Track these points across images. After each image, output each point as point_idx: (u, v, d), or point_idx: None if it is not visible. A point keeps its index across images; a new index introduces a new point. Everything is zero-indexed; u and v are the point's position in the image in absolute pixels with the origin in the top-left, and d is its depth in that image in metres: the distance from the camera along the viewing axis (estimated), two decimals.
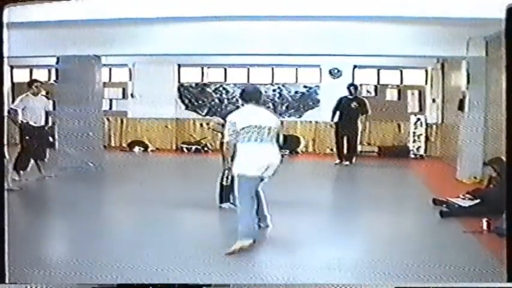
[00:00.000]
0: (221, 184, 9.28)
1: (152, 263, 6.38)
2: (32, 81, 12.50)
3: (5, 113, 9.45)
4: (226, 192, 9.37)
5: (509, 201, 5.38)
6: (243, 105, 7.76)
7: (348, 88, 15.62)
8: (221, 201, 9.47)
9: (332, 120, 15.67)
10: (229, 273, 6.14)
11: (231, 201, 9.35)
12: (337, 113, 15.48)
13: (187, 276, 6.03)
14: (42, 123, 12.15)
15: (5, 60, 5.34)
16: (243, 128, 7.29)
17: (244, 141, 7.31)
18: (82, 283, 5.81)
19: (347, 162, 15.27)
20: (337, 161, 15.43)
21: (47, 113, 12.27)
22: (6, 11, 5.13)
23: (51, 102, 12.92)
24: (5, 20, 5.12)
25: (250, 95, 7.69)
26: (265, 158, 7.38)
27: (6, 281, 5.19)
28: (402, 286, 5.75)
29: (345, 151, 15.45)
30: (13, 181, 10.71)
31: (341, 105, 15.44)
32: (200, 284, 5.76)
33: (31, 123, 12.01)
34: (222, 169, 9.20)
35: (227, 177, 8.96)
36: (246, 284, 5.87)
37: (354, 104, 15.31)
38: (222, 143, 9.37)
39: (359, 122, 15.40)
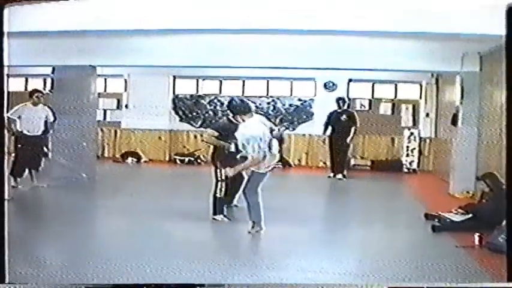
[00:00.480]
0: (214, 196, 9.36)
1: (146, 264, 6.41)
2: (33, 91, 12.54)
3: (5, 115, 9.45)
4: (220, 204, 9.44)
5: (509, 202, 5.40)
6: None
7: (337, 101, 15.69)
8: (215, 213, 9.45)
9: (324, 134, 15.82)
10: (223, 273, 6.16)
11: (225, 213, 9.40)
12: (329, 127, 15.55)
13: (181, 276, 6.05)
14: (39, 133, 12.17)
15: (5, 59, 5.35)
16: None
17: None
18: (77, 283, 5.82)
19: (340, 176, 15.28)
20: (331, 174, 15.46)
21: (47, 123, 12.29)
22: (6, 11, 5.15)
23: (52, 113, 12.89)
24: (5, 19, 5.14)
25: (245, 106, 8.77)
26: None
27: (6, 281, 5.19)
28: (396, 286, 5.77)
29: (336, 163, 15.50)
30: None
31: (332, 119, 15.51)
32: (194, 283, 5.77)
33: (25, 132, 12.03)
34: (215, 181, 9.32)
35: (220, 189, 9.16)
36: (240, 283, 5.87)
37: (343, 117, 15.41)
38: (213, 155, 9.50)
39: (350, 134, 15.39)
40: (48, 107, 12.65)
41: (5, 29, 5.19)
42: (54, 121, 12.59)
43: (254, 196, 8.60)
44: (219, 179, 9.37)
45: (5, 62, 5.23)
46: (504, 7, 5.32)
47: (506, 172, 5.50)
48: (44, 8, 8.56)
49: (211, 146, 9.73)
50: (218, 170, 9.35)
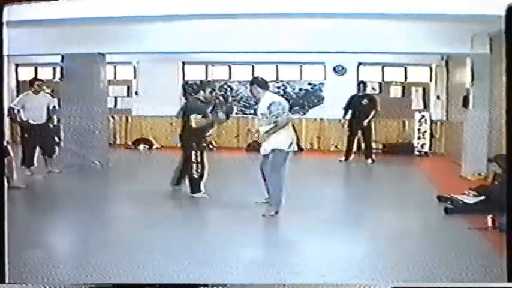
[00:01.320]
0: (191, 176, 9.98)
1: (148, 262, 6.41)
2: (33, 80, 12.57)
3: (5, 112, 9.50)
4: (196, 183, 9.99)
5: (509, 202, 5.38)
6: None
7: (358, 85, 15.74)
8: (193, 192, 10.00)
9: (344, 118, 15.64)
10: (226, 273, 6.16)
11: (203, 190, 9.98)
12: (349, 111, 15.47)
13: (184, 275, 6.05)
14: (43, 121, 12.20)
15: (5, 59, 5.35)
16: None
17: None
18: (78, 283, 5.82)
19: (369, 161, 15.27)
20: (343, 158, 15.39)
21: (49, 110, 12.32)
22: (6, 10, 5.15)
23: (55, 99, 12.96)
24: (5, 19, 5.14)
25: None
26: (291, 135, 8.86)
27: (6, 281, 5.20)
28: (400, 286, 5.75)
29: (364, 149, 15.63)
30: (18, 179, 10.67)
31: (352, 103, 15.47)
32: (197, 283, 5.76)
33: (30, 121, 12.09)
34: (191, 163, 9.58)
35: (197, 170, 9.91)
36: (242, 284, 5.87)
37: (364, 101, 15.36)
38: (183, 138, 9.99)
39: (370, 116, 15.39)
40: (50, 94, 12.70)
41: (7, 19, 5.17)
42: (54, 107, 12.65)
43: (276, 178, 8.73)
44: (195, 161, 9.97)
45: (8, 52, 5.20)
46: (504, 7, 5.27)
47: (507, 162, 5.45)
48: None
49: (179, 129, 10.52)
50: (194, 152, 9.98)
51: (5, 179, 5.89)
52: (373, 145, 16.20)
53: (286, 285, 5.87)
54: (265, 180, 8.98)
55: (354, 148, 15.57)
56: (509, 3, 5.12)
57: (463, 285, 5.73)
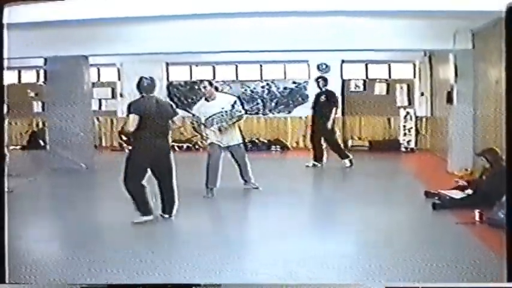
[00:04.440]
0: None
1: (145, 263, 6.39)
2: None
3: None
4: None
5: (509, 201, 5.40)
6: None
7: (316, 81, 14.60)
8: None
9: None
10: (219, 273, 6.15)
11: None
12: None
13: (178, 275, 6.04)
14: None
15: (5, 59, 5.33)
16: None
17: None
18: (73, 283, 5.80)
19: (347, 163, 13.74)
20: (311, 163, 13.86)
21: None
22: (6, 10, 5.12)
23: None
24: (5, 19, 5.12)
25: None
26: None
27: (6, 281, 5.18)
28: (393, 286, 5.76)
29: (334, 152, 14.00)
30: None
31: (313, 101, 14.53)
32: (190, 283, 5.76)
33: None
34: None
35: None
36: (237, 283, 5.86)
37: (322, 98, 14.09)
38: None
39: (331, 117, 13.78)
40: None
41: (5, 30, 5.15)
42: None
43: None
44: None
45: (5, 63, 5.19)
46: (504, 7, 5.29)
47: (507, 157, 5.47)
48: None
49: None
50: None
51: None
52: (359, 142, 16.09)
53: (285, 285, 5.87)
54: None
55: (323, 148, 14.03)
56: (509, 4, 5.13)
57: (463, 285, 5.73)
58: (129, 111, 8.25)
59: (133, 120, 8.14)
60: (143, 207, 8.20)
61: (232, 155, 10.71)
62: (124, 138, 8.53)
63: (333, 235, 7.87)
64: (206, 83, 10.55)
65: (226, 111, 10.38)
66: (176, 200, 8.56)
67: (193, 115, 10.90)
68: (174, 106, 9.19)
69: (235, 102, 10.55)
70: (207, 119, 10.40)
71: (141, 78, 8.53)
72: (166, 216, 8.50)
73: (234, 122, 10.49)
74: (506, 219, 5.60)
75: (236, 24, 11.17)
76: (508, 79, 5.28)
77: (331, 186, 12.44)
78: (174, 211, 8.56)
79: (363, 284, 5.86)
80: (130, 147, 8.38)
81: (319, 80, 14.49)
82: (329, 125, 13.75)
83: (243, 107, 11.03)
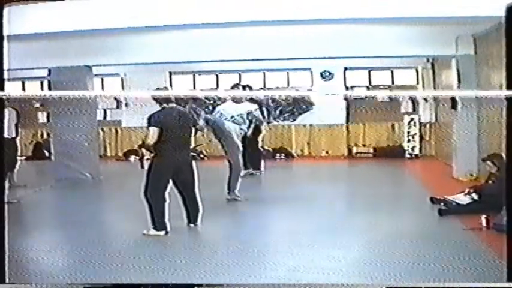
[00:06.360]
0: None
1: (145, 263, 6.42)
2: None
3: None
4: None
5: (509, 202, 5.38)
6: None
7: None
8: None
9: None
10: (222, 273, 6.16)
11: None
12: None
13: (179, 275, 6.06)
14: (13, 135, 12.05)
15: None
16: None
17: None
18: (75, 283, 5.82)
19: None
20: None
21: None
22: (6, 10, 5.14)
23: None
24: (5, 19, 5.13)
25: None
26: None
27: (6, 281, 5.19)
28: (393, 286, 5.74)
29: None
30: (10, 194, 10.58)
31: None
32: (192, 283, 5.76)
33: None
34: None
35: None
36: (239, 284, 5.87)
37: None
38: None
39: None
40: (15, 109, 12.48)
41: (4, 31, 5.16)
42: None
43: None
44: None
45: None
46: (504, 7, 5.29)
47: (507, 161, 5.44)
48: (35, 9, 8.56)
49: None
50: None
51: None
52: (363, 149, 16.09)
53: (285, 285, 5.86)
54: None
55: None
56: (509, 3, 5.13)
57: (463, 285, 5.72)
58: (149, 124, 8.13)
59: (153, 133, 8.03)
60: (159, 220, 8.01)
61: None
62: (144, 151, 8.32)
63: (335, 241, 7.86)
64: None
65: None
66: (200, 209, 8.48)
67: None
68: (195, 113, 9.10)
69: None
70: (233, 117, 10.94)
71: (156, 90, 8.50)
72: (192, 225, 8.44)
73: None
74: (506, 219, 5.57)
75: (239, 32, 11.17)
76: (509, 80, 5.27)
77: (336, 193, 12.39)
78: (199, 220, 8.49)
79: (363, 284, 5.85)
80: (152, 159, 8.25)
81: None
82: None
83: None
